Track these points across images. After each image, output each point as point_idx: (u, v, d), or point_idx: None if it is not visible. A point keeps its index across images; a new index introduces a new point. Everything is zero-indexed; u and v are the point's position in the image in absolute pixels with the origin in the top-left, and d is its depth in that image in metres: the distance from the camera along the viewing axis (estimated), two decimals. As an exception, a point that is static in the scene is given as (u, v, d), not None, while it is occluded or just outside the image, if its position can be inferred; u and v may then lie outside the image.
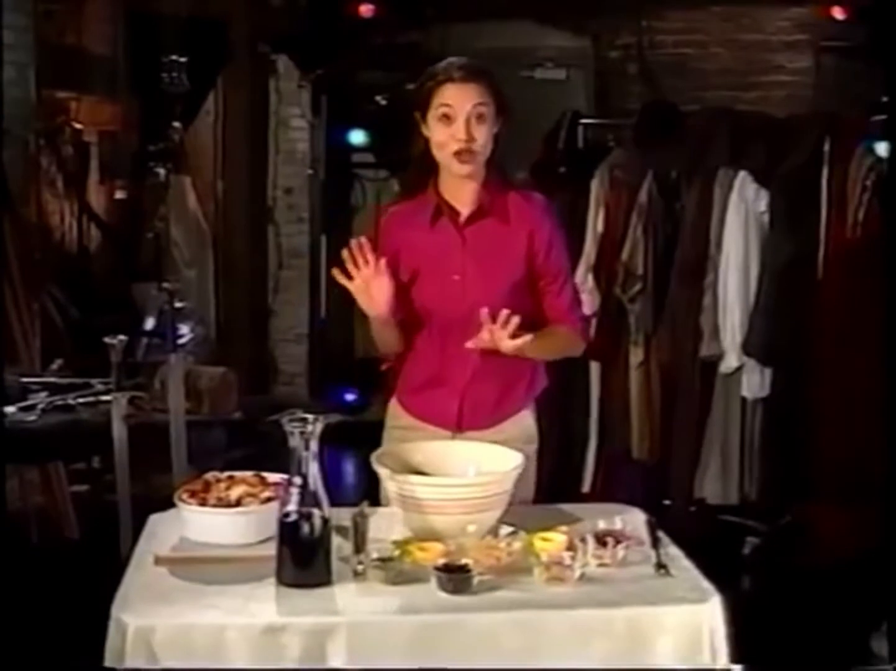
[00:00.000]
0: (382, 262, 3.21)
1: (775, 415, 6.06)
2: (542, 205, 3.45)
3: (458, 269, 3.34)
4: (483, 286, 3.32)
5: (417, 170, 3.40)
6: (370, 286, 3.23)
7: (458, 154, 3.25)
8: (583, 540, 2.87)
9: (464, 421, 3.43)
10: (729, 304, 5.98)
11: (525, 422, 3.52)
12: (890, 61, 5.19)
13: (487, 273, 3.33)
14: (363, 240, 3.22)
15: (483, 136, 3.26)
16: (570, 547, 2.84)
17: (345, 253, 3.22)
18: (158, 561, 2.85)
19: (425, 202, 3.38)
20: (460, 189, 3.35)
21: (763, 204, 5.97)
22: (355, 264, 3.20)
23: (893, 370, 5.44)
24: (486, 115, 3.26)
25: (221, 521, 2.93)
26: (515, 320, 3.11)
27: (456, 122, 3.24)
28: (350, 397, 8.82)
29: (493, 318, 3.12)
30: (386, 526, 2.98)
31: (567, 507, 3.31)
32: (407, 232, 3.39)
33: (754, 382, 6.00)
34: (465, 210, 3.36)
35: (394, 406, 3.60)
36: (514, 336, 3.13)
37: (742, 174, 6.00)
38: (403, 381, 3.55)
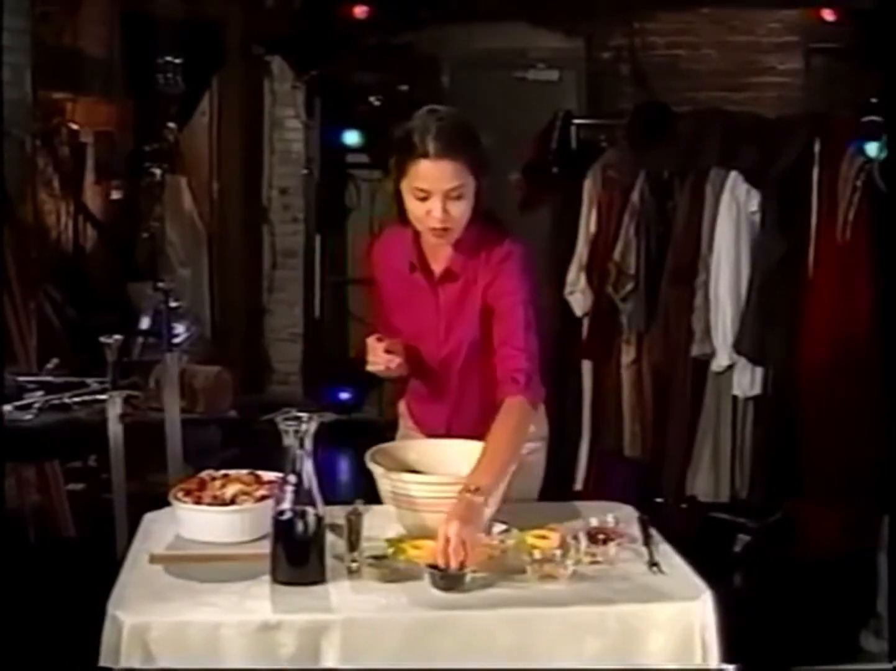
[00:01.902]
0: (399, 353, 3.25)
1: (766, 414, 6.07)
2: (505, 256, 3.25)
3: (433, 320, 3.34)
4: (454, 340, 3.34)
5: (400, 209, 3.26)
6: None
7: (434, 231, 3.16)
8: (575, 537, 2.88)
9: (452, 431, 3.41)
10: (720, 303, 5.99)
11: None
12: (886, 63, 5.20)
13: (457, 330, 3.32)
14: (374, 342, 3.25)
15: (460, 212, 3.14)
16: (563, 544, 2.85)
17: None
18: (154, 559, 2.86)
19: (407, 246, 3.33)
20: (436, 248, 3.30)
21: (754, 204, 5.98)
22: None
23: (885, 370, 5.48)
24: (465, 194, 3.13)
25: (216, 519, 2.95)
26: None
27: (431, 199, 3.11)
28: (344, 396, 8.84)
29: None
30: (380, 524, 3.01)
31: (559, 505, 3.33)
32: (392, 266, 3.40)
33: (745, 381, 6.02)
34: (437, 269, 3.32)
35: (402, 406, 3.69)
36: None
37: (733, 174, 6.01)
38: (409, 386, 3.62)
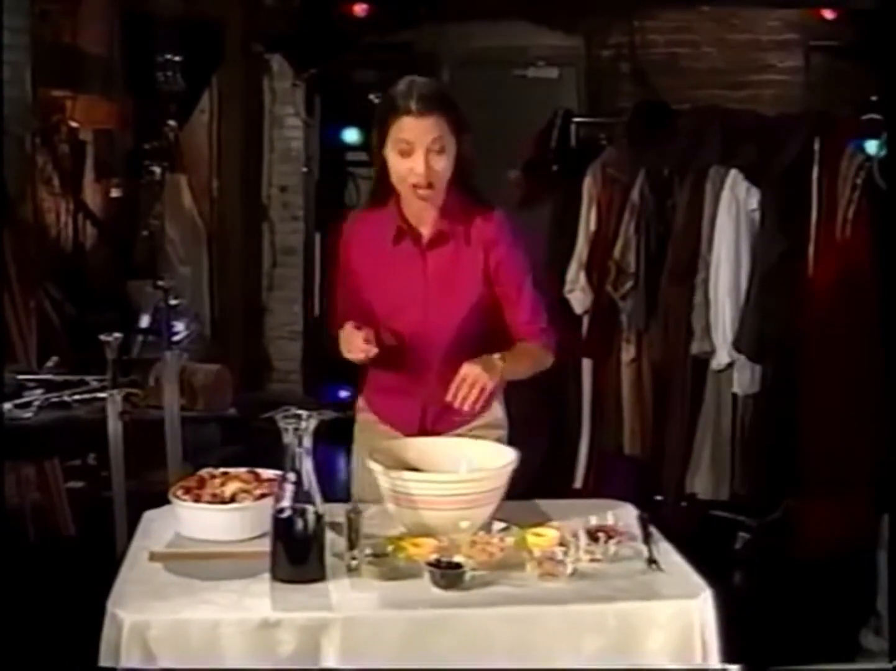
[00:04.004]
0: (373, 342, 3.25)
1: (766, 412, 6.08)
2: (500, 222, 3.39)
3: (420, 289, 3.36)
4: (444, 307, 3.36)
5: (380, 183, 3.39)
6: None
7: (416, 186, 3.25)
8: (575, 535, 2.89)
9: (427, 428, 3.43)
10: (720, 301, 5.99)
11: (492, 414, 3.52)
12: (886, 61, 5.20)
13: (448, 295, 3.35)
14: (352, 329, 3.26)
15: (442, 167, 3.25)
16: (563, 542, 2.85)
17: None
18: (153, 557, 2.87)
19: (388, 219, 3.39)
20: (422, 212, 3.36)
21: (754, 202, 5.99)
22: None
23: (885, 368, 5.49)
24: (446, 147, 3.25)
25: (216, 517, 2.95)
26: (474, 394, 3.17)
27: (414, 154, 3.22)
28: (344, 394, 8.82)
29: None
30: (379, 522, 3.01)
31: (559, 503, 3.33)
32: (369, 244, 3.42)
33: (745, 379, 6.03)
34: (426, 233, 3.38)
35: (361, 401, 3.65)
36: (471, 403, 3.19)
37: (733, 172, 6.02)
38: (368, 380, 3.59)
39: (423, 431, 3.43)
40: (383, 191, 3.39)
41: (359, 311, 3.40)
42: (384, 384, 3.51)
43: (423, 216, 3.37)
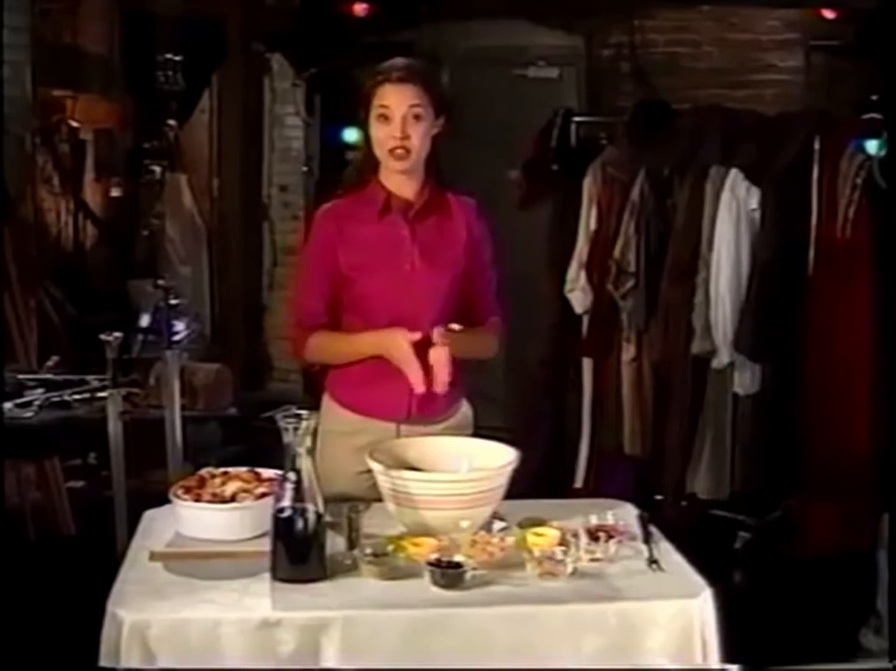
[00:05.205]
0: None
1: (766, 411, 6.08)
2: (478, 208, 3.56)
3: (408, 260, 3.40)
4: (430, 277, 3.41)
5: (359, 168, 3.51)
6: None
7: (393, 151, 3.34)
8: (575, 535, 2.90)
9: (413, 410, 3.42)
10: (720, 300, 6.00)
11: (465, 410, 3.59)
12: (886, 61, 5.20)
13: (434, 264, 3.42)
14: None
15: (418, 135, 3.35)
16: (563, 542, 2.86)
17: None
18: (154, 556, 2.87)
19: (368, 196, 3.46)
20: (402, 186, 3.44)
21: (754, 201, 5.99)
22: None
23: (885, 367, 5.49)
24: (423, 116, 3.36)
25: (216, 517, 2.95)
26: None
27: (393, 121, 3.34)
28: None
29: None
30: (380, 521, 3.01)
31: (559, 503, 3.34)
32: (350, 226, 3.44)
33: (745, 379, 6.03)
34: (412, 202, 3.45)
35: (330, 406, 3.52)
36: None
37: (733, 172, 6.02)
38: (341, 378, 3.51)
39: (409, 415, 3.42)
40: (366, 167, 3.47)
41: (340, 300, 3.43)
42: (366, 374, 3.43)
43: (404, 190, 3.44)
